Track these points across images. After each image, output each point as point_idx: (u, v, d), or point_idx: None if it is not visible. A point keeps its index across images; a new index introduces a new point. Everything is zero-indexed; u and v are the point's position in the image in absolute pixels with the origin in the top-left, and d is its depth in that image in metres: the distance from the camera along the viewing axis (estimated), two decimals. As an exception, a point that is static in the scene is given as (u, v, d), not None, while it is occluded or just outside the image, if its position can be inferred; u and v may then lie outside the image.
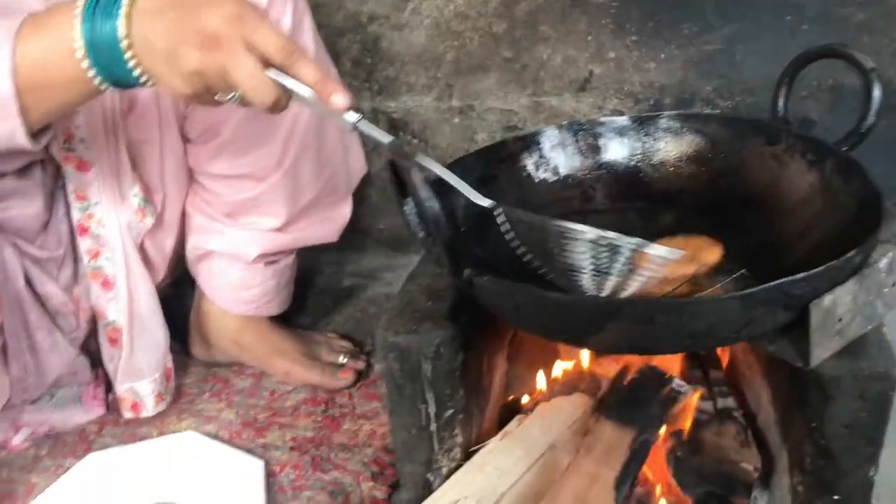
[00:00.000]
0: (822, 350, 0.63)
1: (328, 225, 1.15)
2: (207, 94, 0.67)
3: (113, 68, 0.68)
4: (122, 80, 0.70)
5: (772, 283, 0.58)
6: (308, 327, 1.26)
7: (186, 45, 0.63)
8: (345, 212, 1.17)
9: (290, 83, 0.64)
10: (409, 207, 0.74)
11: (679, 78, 1.22)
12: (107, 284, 0.98)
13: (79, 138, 0.91)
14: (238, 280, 1.10)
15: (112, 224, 0.96)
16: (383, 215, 1.46)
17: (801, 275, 0.59)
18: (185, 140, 1.01)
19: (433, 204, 0.64)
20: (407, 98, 1.33)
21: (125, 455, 1.00)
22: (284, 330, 1.17)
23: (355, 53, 1.30)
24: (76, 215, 0.95)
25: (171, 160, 1.00)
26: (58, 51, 0.68)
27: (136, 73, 0.68)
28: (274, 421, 1.06)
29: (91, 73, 0.68)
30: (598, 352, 0.89)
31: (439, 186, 0.72)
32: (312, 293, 1.37)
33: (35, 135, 0.74)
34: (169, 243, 1.06)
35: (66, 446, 1.04)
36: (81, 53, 0.67)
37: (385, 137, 0.65)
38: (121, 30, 0.66)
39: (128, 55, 0.67)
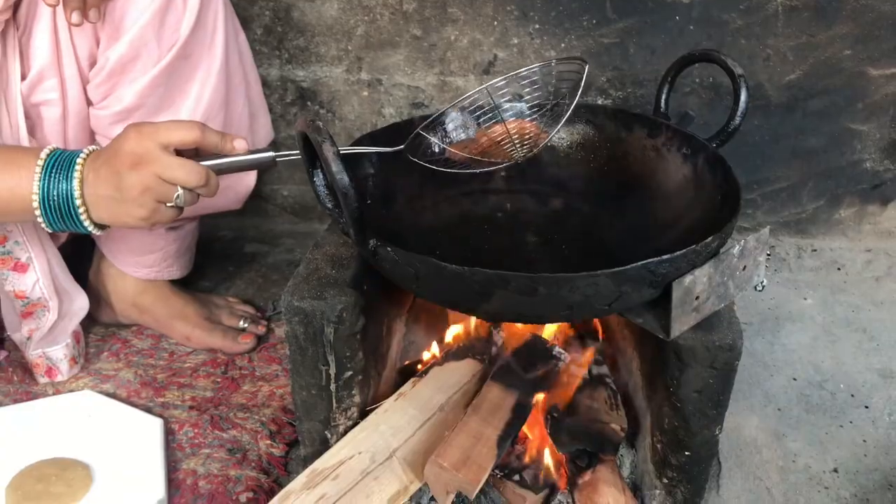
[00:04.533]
0: (680, 324, 0.72)
1: (232, 193, 1.15)
2: (159, 209, 0.77)
3: (66, 222, 0.79)
4: (71, 230, 0.81)
5: (639, 263, 0.66)
6: (209, 291, 1.27)
7: (124, 176, 0.74)
8: (249, 180, 1.17)
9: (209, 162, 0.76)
10: (319, 179, 0.77)
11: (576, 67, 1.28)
12: (19, 268, 0.97)
13: None
14: (139, 244, 1.11)
15: None
16: (287, 182, 1.47)
17: (665, 256, 0.67)
18: (88, 104, 0.99)
19: (343, 176, 0.67)
20: (316, 68, 1.34)
21: (19, 413, 0.99)
22: (185, 293, 1.18)
23: (266, 21, 1.30)
24: None
25: (73, 122, 0.98)
26: (15, 198, 0.78)
27: (87, 224, 0.79)
28: (173, 381, 1.08)
29: (41, 220, 0.79)
30: (489, 320, 0.95)
31: (349, 160, 0.76)
32: (214, 258, 1.37)
33: None
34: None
35: (-46, 404, 1.02)
36: (38, 210, 0.78)
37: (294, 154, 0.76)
38: (76, 193, 0.77)
39: (81, 211, 0.78)
